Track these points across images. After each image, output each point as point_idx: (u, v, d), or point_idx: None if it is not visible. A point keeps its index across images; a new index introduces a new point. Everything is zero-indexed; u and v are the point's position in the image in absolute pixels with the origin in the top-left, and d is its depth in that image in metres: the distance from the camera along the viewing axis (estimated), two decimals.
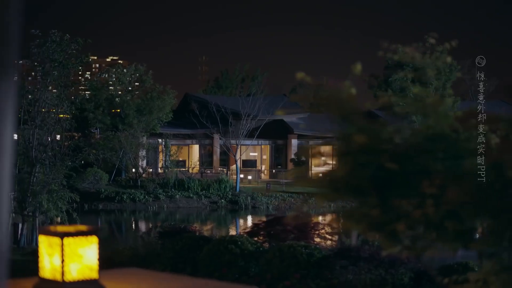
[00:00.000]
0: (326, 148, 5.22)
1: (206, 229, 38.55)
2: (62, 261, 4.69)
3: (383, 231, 4.67)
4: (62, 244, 4.69)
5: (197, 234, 15.95)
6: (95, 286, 4.73)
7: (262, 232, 15.02)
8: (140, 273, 5.18)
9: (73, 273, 4.72)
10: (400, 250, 4.75)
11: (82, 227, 4.83)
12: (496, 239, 4.67)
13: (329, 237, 14.86)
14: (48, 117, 21.05)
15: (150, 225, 28.53)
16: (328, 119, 4.73)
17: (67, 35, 19.51)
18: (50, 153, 21.51)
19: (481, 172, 4.78)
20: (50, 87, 21.50)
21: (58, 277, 4.69)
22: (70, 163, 21.76)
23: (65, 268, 4.71)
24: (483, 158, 4.91)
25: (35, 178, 21.36)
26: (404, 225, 4.51)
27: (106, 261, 15.24)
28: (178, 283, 4.71)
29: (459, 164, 4.76)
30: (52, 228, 4.90)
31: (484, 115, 4.98)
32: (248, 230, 16.07)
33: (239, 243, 13.87)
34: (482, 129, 5.11)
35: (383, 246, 4.80)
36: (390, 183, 4.60)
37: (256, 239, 14.79)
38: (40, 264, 4.83)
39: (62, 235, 4.69)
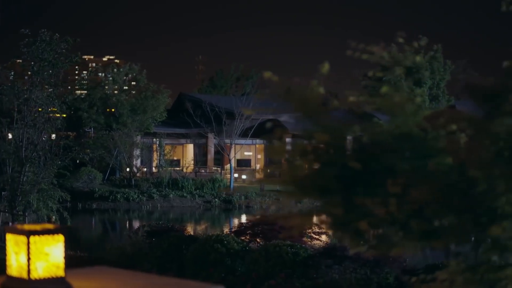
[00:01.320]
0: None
1: (200, 229, 38.54)
2: (28, 259, 4.71)
3: (348, 230, 4.69)
4: (28, 243, 4.71)
5: (184, 233, 15.95)
6: (61, 284, 4.75)
7: (248, 232, 15.03)
8: (109, 271, 5.19)
9: (39, 271, 4.74)
10: (367, 249, 4.78)
11: (49, 226, 4.85)
12: (459, 238, 4.69)
13: (316, 236, 14.88)
14: (38, 116, 21.03)
15: (140, 224, 28.46)
16: (295, 118, 4.76)
17: (57, 34, 19.54)
18: (40, 153, 21.48)
19: (447, 172, 4.79)
20: (46, 86, 21.49)
21: (24, 275, 4.71)
22: (60, 162, 21.74)
23: (31, 266, 4.72)
24: (450, 157, 4.92)
25: (25, 177, 21.34)
26: (367, 224, 4.52)
27: (95, 260, 15.14)
28: (144, 281, 4.74)
29: (426, 163, 4.77)
30: (19, 226, 4.92)
31: (449, 114, 5.00)
32: (235, 229, 16.09)
33: (225, 242, 13.88)
34: (452, 128, 5.11)
35: (349, 245, 4.82)
36: (355, 182, 4.61)
37: (243, 238, 14.81)
38: (8, 262, 4.85)
39: (28, 234, 4.71)
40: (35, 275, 4.67)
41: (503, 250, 4.64)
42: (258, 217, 20.43)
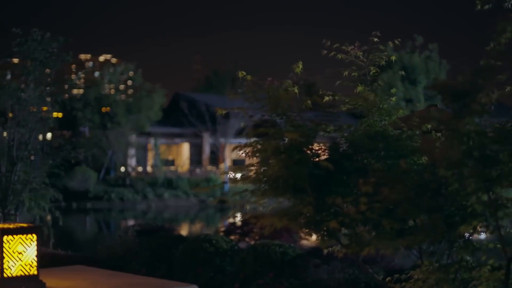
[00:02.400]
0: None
1: (194, 229, 38.51)
2: (2, 258, 4.72)
3: (319, 230, 4.69)
4: (1, 242, 4.72)
5: (174, 233, 15.94)
6: (34, 282, 4.76)
7: (238, 231, 15.04)
8: (86, 270, 5.22)
9: (12, 269, 4.76)
10: (340, 249, 4.79)
11: (22, 225, 4.86)
12: (430, 238, 4.71)
13: (304, 236, 14.89)
14: (29, 116, 20.94)
15: (130, 223, 28.44)
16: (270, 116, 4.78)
17: (48, 33, 19.45)
18: (32, 152, 21.38)
19: (420, 171, 4.80)
20: (43, 87, 21.32)
21: None
22: (51, 161, 21.64)
23: (5, 265, 4.74)
24: (424, 157, 4.93)
25: (16, 177, 21.25)
26: (338, 223, 4.53)
27: (85, 260, 15.02)
28: (118, 280, 4.76)
29: (399, 163, 4.79)
30: None
31: (420, 114, 5.02)
32: (225, 228, 16.11)
33: (214, 241, 13.87)
34: (426, 128, 5.13)
35: (320, 244, 4.83)
36: (327, 182, 4.62)
37: (232, 237, 14.80)
38: None
39: (1, 233, 4.72)
40: (8, 273, 4.68)
41: (474, 249, 4.66)
42: (233, 216, 20.43)
